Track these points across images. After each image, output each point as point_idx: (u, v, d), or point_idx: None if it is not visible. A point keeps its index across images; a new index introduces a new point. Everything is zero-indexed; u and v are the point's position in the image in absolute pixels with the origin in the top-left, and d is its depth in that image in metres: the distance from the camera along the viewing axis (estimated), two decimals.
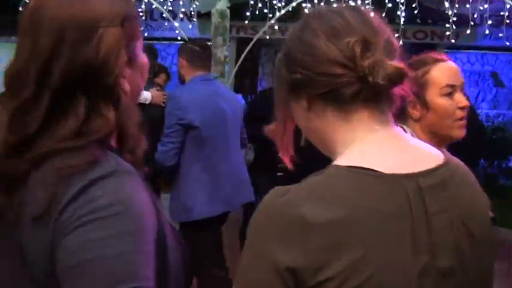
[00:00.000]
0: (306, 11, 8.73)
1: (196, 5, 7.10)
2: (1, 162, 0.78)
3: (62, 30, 0.79)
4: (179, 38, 6.91)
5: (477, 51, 11.40)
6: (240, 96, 6.55)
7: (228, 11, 6.93)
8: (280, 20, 6.65)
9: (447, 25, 6.36)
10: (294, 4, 7.13)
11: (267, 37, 6.60)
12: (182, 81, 3.15)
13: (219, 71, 6.62)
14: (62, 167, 0.75)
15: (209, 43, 4.29)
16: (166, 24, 8.55)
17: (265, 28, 6.99)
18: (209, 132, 2.88)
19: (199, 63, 3.02)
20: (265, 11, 6.83)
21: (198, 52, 3.03)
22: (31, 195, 0.75)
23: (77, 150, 0.77)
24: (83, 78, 0.79)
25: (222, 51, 6.58)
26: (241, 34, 9.90)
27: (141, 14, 15.47)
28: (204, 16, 8.52)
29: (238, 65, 6.91)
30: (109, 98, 0.81)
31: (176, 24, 6.55)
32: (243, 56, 6.87)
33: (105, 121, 0.80)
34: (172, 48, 10.78)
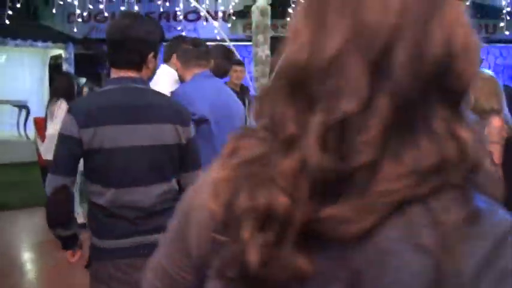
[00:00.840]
0: None
1: (234, 4, 5.34)
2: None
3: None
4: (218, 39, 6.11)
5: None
6: None
7: (269, 8, 5.82)
8: None
9: None
10: None
11: None
12: (181, 81, 3.08)
13: (261, 70, 5.97)
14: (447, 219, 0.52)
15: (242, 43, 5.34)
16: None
17: None
18: (218, 126, 2.80)
19: (194, 61, 2.90)
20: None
21: (192, 50, 2.93)
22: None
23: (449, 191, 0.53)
24: (434, 79, 0.54)
25: (264, 50, 5.90)
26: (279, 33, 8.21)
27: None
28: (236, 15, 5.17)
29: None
30: (461, 111, 0.56)
31: (216, 24, 6.34)
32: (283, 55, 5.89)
33: (463, 146, 0.54)
34: None
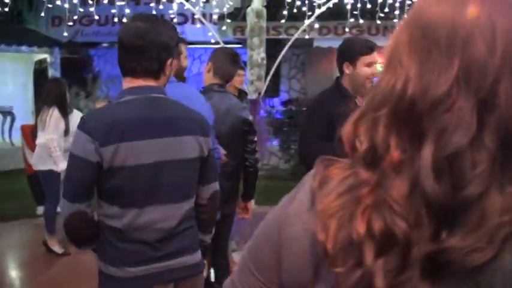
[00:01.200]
0: (348, 7, 5.49)
1: (228, 6, 5.29)
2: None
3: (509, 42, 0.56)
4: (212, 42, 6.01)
5: None
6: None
7: (264, 11, 5.71)
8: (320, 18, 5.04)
9: None
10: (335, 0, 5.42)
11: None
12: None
13: (256, 74, 5.85)
14: None
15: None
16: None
17: (304, 28, 5.15)
18: None
19: None
20: (303, 9, 5.18)
21: None
22: None
23: None
24: None
25: (259, 53, 5.79)
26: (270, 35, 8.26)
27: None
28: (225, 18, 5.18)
29: (275, 67, 6.15)
30: None
31: (209, 26, 6.19)
32: (279, 58, 5.78)
33: None
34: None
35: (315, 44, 10.08)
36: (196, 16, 6.55)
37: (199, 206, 1.89)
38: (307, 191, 0.67)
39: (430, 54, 0.59)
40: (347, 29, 8.63)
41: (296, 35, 6.68)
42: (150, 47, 1.69)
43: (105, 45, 13.78)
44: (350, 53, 2.67)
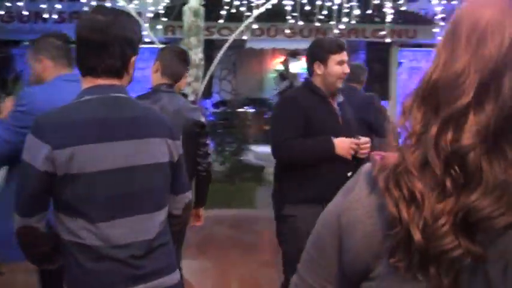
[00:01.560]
0: (288, 8, 5.67)
1: (163, 4, 5.38)
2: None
3: None
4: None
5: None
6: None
7: (202, 9, 5.65)
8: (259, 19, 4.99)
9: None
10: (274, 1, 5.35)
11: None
12: (38, 82, 2.49)
13: (194, 75, 5.79)
14: None
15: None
16: None
17: (242, 28, 5.15)
18: None
19: (64, 60, 2.43)
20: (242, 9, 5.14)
21: (63, 47, 2.44)
22: None
23: None
24: None
25: (197, 53, 5.71)
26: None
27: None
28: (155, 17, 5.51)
29: (213, 69, 6.05)
30: None
31: (146, 25, 6.06)
32: (217, 59, 5.72)
33: None
34: None
35: (248, 45, 10.04)
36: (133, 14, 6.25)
37: (173, 218, 1.74)
38: (364, 180, 0.77)
39: (454, 46, 0.73)
40: (287, 31, 8.67)
41: (234, 36, 6.59)
42: (112, 42, 1.52)
43: (26, 43, 13.01)
44: (321, 52, 2.65)
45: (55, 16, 8.48)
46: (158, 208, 1.61)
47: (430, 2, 12.64)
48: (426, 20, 10.07)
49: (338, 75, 2.61)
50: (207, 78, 6.14)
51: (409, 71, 12.78)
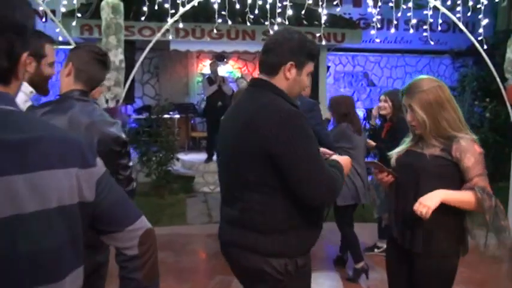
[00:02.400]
0: (215, 6, 5.39)
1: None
2: None
3: None
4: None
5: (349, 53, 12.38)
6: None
7: (121, 5, 5.10)
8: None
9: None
10: None
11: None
12: None
13: (114, 79, 5.22)
14: None
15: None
16: None
17: (165, 28, 4.69)
18: None
19: None
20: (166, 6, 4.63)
21: None
22: None
23: None
24: None
25: (117, 54, 5.13)
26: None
27: None
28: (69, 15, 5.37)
29: (135, 72, 5.46)
30: None
31: (59, 22, 5.44)
32: (139, 61, 5.18)
33: None
34: None
35: (172, 47, 9.40)
36: (41, 8, 5.43)
37: (128, 261, 1.24)
38: None
39: None
40: (214, 32, 8.13)
41: (157, 37, 5.98)
42: None
43: None
44: (301, 53, 2.02)
45: None
46: (57, 279, 1.07)
47: (354, 7, 12.90)
48: (354, 24, 9.99)
49: (304, 87, 2.12)
50: (128, 82, 5.49)
51: (336, 75, 12.77)
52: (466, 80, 10.40)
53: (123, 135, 2.34)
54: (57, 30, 5.21)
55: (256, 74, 12.09)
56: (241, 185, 1.98)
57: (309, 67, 2.08)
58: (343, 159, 2.16)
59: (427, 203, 2.19)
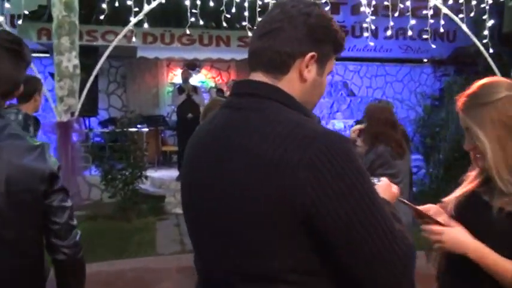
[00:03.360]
0: (187, 3, 4.72)
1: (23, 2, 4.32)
2: None
3: None
4: None
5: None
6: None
7: (76, 2, 4.33)
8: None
9: None
10: None
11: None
12: None
13: (68, 87, 4.44)
14: None
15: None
16: None
17: (128, 28, 3.97)
18: None
19: None
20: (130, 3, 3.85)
21: None
22: None
23: None
24: None
25: (70, 58, 4.34)
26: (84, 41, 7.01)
27: None
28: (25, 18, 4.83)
29: (92, 81, 4.66)
30: None
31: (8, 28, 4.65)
32: (97, 68, 4.42)
33: None
34: None
35: (140, 53, 8.60)
36: None
37: None
38: None
39: None
40: (185, 37, 7.36)
41: (117, 39, 5.19)
42: None
43: None
44: (327, 40, 1.23)
45: None
46: None
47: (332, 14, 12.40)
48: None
49: (323, 93, 1.32)
50: (85, 91, 4.66)
51: None
52: (453, 88, 9.90)
53: (52, 165, 1.55)
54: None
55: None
56: (245, 274, 1.11)
57: (332, 63, 1.33)
58: (385, 189, 1.35)
59: (445, 238, 1.51)
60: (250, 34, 6.45)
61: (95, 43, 7.81)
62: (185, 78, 8.50)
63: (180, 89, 8.47)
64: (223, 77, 11.63)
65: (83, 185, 8.40)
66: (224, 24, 5.71)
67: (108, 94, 11.24)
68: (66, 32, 4.31)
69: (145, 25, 5.06)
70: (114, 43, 4.48)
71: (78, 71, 4.34)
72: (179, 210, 7.78)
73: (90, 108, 8.51)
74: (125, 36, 8.12)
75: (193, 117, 8.35)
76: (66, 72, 4.35)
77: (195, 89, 8.47)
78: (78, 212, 6.78)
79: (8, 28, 5.04)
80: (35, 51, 9.33)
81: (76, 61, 4.31)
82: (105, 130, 9.53)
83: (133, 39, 6.20)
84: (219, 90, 10.51)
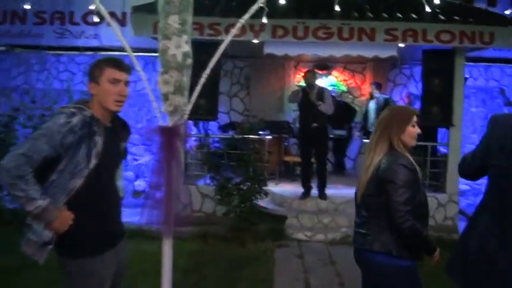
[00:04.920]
0: None
1: None
2: None
3: None
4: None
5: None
6: None
7: None
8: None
9: None
10: None
11: None
12: None
13: (174, 81, 3.23)
14: None
15: None
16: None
17: (244, 20, 2.71)
18: None
19: None
20: None
21: None
22: None
23: None
24: None
25: (179, 44, 3.14)
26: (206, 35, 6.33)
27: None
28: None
29: (205, 77, 3.44)
30: None
31: (115, 27, 3.48)
32: (211, 64, 3.19)
33: None
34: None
35: (267, 50, 7.50)
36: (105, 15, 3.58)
37: None
38: None
39: None
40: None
41: (236, 29, 3.99)
42: None
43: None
44: None
45: None
46: None
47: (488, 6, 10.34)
48: (506, 20, 7.37)
49: None
50: (197, 90, 3.55)
51: (466, 90, 10.09)
52: None
53: None
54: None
55: (366, 87, 9.92)
56: None
57: None
58: None
59: None
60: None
61: (218, 37, 6.81)
62: (310, 83, 7.24)
63: (304, 91, 7.29)
64: (357, 79, 10.18)
65: (196, 195, 7.56)
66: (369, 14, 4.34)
67: (230, 96, 10.38)
68: (176, 8, 3.22)
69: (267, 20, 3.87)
70: (229, 37, 3.28)
71: (189, 61, 3.23)
72: (302, 236, 6.52)
73: (209, 110, 7.60)
74: (252, 31, 7.20)
75: (318, 126, 7.11)
76: (173, 62, 3.27)
77: (321, 96, 7.16)
78: (188, 228, 5.87)
79: (117, 26, 4.16)
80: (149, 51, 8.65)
81: (187, 48, 3.22)
82: (223, 135, 8.61)
83: (262, 37, 5.06)
84: (377, 84, 9.13)
